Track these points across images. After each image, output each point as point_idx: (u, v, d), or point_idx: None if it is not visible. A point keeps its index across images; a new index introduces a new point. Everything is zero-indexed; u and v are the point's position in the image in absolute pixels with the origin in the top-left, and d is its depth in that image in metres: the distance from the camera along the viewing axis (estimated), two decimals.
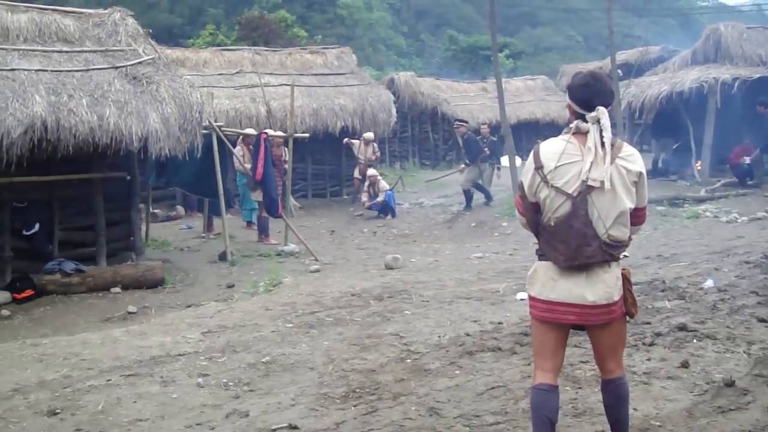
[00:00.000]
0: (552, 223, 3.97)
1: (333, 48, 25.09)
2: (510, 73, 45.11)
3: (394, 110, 22.82)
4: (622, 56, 26.83)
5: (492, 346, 6.73)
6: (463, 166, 19.31)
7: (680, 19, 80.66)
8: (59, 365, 6.90)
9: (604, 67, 26.68)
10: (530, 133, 33.62)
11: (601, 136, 3.86)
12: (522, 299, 8.55)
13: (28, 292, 10.94)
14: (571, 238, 3.90)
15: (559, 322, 4.05)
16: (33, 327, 9.52)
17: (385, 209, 18.72)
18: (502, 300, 8.69)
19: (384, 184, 19.17)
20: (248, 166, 14.92)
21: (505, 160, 18.54)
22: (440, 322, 7.79)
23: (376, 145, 20.84)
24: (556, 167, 3.92)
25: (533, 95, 36.73)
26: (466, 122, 20.23)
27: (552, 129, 35.60)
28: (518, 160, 17.60)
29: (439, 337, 7.19)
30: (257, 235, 15.55)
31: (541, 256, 4.11)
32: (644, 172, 3.99)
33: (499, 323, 7.56)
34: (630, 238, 4.06)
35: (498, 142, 19.28)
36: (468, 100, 33.33)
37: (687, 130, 19.84)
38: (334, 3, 63.70)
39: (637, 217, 4.05)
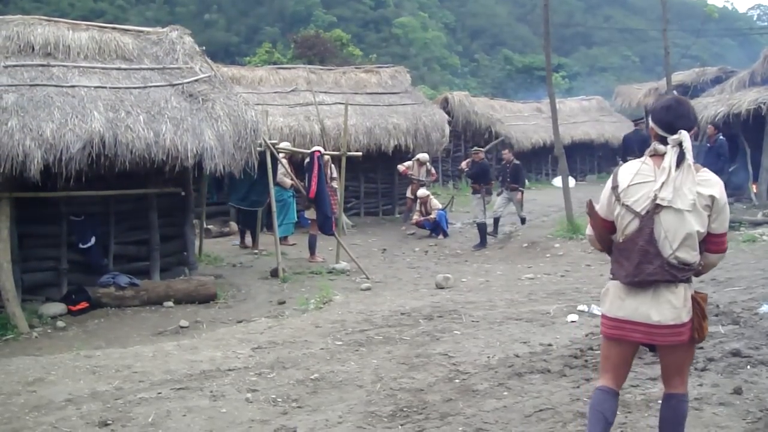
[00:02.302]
0: (621, 240, 4.09)
1: (387, 67, 25.11)
2: (565, 94, 44.99)
3: (447, 130, 22.77)
4: (678, 77, 26.47)
5: (541, 367, 6.68)
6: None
7: (739, 40, 79.69)
8: (111, 377, 6.99)
9: (660, 88, 26.47)
10: (584, 153, 33.45)
11: (679, 158, 3.94)
12: (572, 321, 8.49)
13: (83, 305, 11.10)
14: (633, 255, 4.00)
15: (625, 339, 4.14)
16: (87, 339, 9.66)
17: (437, 228, 18.67)
18: (552, 322, 8.62)
19: (436, 203, 19.12)
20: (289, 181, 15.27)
21: (558, 181, 18.30)
22: (489, 343, 7.75)
23: (429, 164, 20.81)
24: (628, 186, 4.06)
25: (588, 116, 36.60)
26: (482, 149, 18.91)
27: (606, 150, 35.43)
28: (572, 181, 17.37)
29: (488, 357, 7.16)
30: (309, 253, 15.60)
31: (613, 274, 4.20)
32: (721, 197, 4.04)
33: (549, 345, 7.50)
34: (700, 264, 4.10)
35: (521, 167, 18.97)
36: (522, 120, 33.28)
37: (744, 152, 19.55)
38: (390, 22, 64.20)
39: (714, 243, 4.12)
